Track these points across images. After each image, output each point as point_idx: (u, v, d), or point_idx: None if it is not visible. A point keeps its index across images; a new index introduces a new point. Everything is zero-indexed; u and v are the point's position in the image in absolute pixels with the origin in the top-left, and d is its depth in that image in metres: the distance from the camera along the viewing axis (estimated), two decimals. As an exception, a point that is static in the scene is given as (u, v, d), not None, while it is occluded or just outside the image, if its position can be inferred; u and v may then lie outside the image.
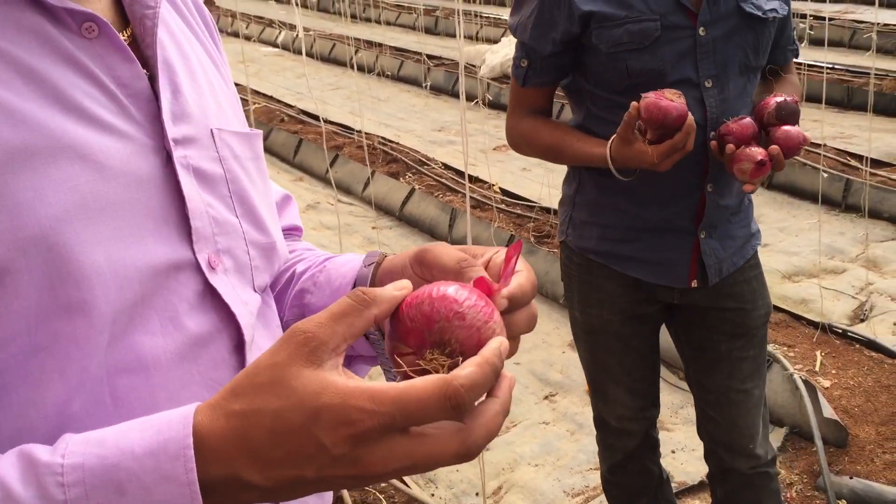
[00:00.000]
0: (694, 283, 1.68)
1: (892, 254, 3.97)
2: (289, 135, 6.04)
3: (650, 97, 1.42)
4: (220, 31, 8.06)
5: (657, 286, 1.70)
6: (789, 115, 1.55)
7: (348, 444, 0.50)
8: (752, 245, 1.76)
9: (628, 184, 1.57)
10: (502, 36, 8.21)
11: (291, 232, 0.98)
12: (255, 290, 0.75)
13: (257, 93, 7.21)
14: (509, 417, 2.93)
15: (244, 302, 0.71)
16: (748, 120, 1.53)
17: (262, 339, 0.74)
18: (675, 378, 3.01)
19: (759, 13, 1.58)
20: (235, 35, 9.88)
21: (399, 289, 0.57)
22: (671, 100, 1.42)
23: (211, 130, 0.73)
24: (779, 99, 1.55)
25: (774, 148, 1.49)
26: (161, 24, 0.70)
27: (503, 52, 7.42)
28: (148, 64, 0.68)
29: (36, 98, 0.59)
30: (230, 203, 0.72)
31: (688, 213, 1.64)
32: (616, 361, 1.82)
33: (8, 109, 0.57)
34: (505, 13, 9.84)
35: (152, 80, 0.67)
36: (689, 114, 1.43)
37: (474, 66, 7.45)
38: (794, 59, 1.82)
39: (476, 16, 9.52)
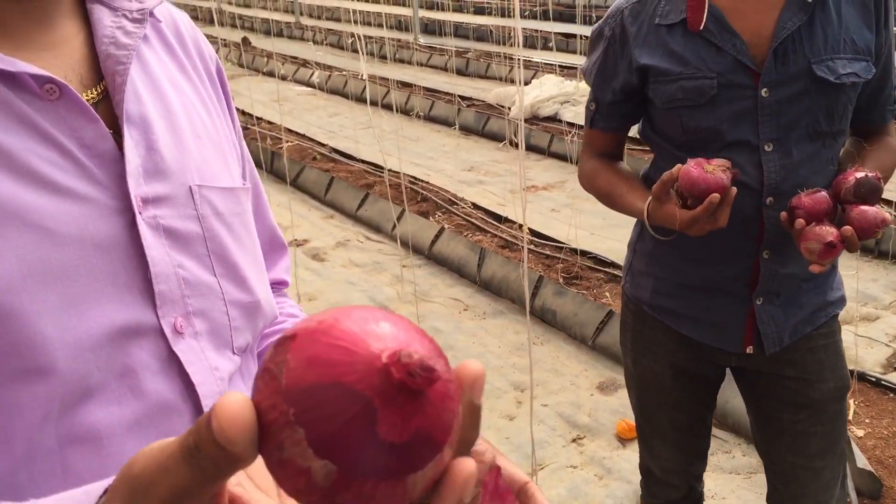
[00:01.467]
0: (749, 350, 1.59)
1: (927, 301, 3.91)
2: (320, 172, 6.11)
3: (689, 165, 1.37)
4: (255, 70, 8.19)
5: (711, 347, 1.63)
6: (869, 193, 1.41)
7: None
8: (826, 312, 1.62)
9: (681, 240, 1.50)
10: (533, 77, 8.28)
11: (276, 286, 0.94)
12: (235, 352, 0.72)
13: (290, 131, 7.31)
14: (537, 460, 2.90)
15: (213, 368, 0.68)
16: (823, 194, 1.42)
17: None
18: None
19: (832, 78, 1.44)
20: (270, 74, 10.06)
21: None
22: (710, 171, 1.35)
23: (190, 187, 0.70)
24: (859, 175, 1.42)
25: (847, 229, 1.37)
26: (139, 76, 0.69)
27: (533, 93, 7.48)
28: (119, 119, 0.66)
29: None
30: (208, 262, 0.69)
31: (742, 278, 1.55)
32: (665, 416, 1.76)
33: None
34: (536, 55, 9.94)
35: (120, 137, 0.65)
36: (725, 189, 1.35)
37: (505, 107, 7.51)
38: None
39: (507, 58, 9.62)
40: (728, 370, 1.73)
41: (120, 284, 0.62)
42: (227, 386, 0.69)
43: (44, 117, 0.61)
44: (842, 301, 1.66)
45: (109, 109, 0.66)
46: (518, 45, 1.07)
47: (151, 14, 0.72)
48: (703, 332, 1.61)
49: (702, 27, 1.46)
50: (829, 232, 1.37)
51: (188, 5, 16.14)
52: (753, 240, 1.51)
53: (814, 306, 1.60)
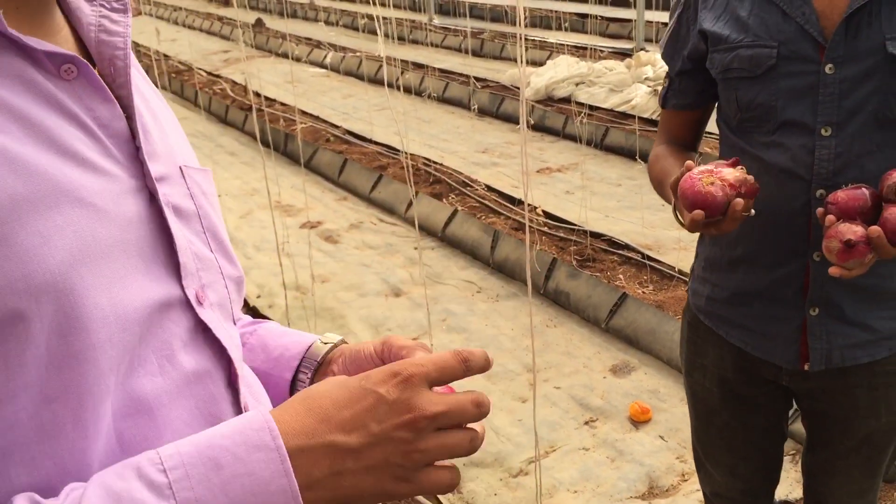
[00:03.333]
0: (806, 367, 1.44)
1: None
2: (334, 154, 6.10)
3: (692, 172, 1.25)
4: (269, 51, 8.19)
5: (763, 362, 1.49)
6: None
7: (398, 389, 0.61)
8: (892, 344, 1.43)
9: (736, 242, 1.42)
10: (547, 59, 8.22)
11: None
12: (234, 323, 0.76)
13: (304, 113, 7.31)
14: (547, 442, 2.90)
15: (230, 336, 0.72)
16: (863, 190, 1.24)
17: (244, 368, 0.75)
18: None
19: None
20: (285, 56, 10.04)
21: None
22: (706, 184, 1.22)
23: (180, 168, 0.73)
24: None
25: (875, 229, 1.18)
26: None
27: (548, 74, 7.43)
28: (121, 104, 0.67)
29: (32, 144, 0.58)
30: (205, 239, 0.73)
31: (793, 284, 1.41)
32: (715, 438, 1.65)
33: (10, 157, 0.56)
34: (551, 35, 9.86)
35: (129, 119, 0.67)
36: (715, 206, 1.22)
37: (518, 88, 7.47)
38: None
39: (523, 39, 9.55)
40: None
41: (149, 259, 0.64)
42: (240, 353, 0.73)
43: (65, 96, 0.62)
44: None
45: None
46: (521, 25, 1.06)
47: (129, 6, 0.73)
48: (755, 343, 1.49)
49: None
50: (851, 230, 1.19)
51: (202, -14, 16.12)
52: (803, 239, 1.36)
53: (883, 332, 1.42)
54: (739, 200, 1.21)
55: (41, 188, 0.57)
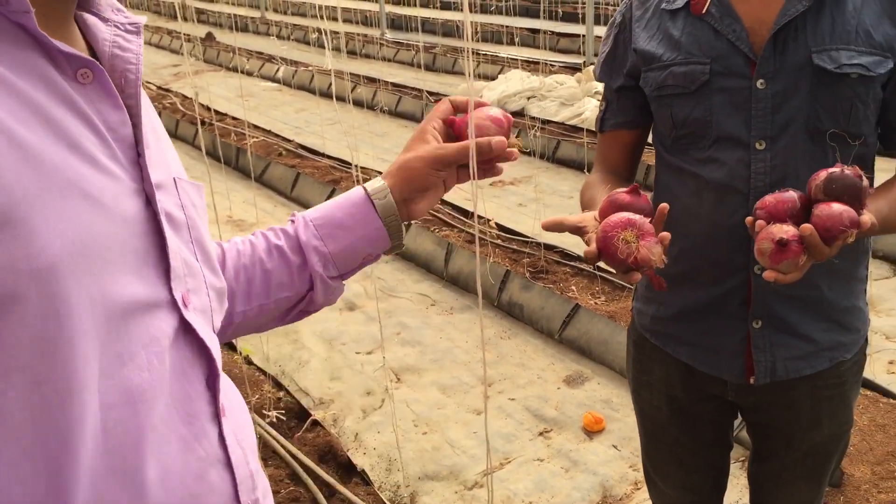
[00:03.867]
0: (752, 380, 1.45)
1: (887, 292, 3.98)
2: (286, 168, 6.06)
3: (613, 223, 1.16)
4: (220, 65, 8.09)
5: (709, 377, 1.50)
6: (843, 189, 1.18)
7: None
8: (833, 355, 1.45)
9: (678, 259, 1.37)
10: (499, 73, 8.29)
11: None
12: (214, 331, 0.79)
13: (256, 127, 7.26)
14: (502, 453, 2.92)
15: (210, 338, 0.75)
16: (791, 193, 1.21)
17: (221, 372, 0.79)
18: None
19: (832, 67, 1.30)
20: (236, 70, 9.96)
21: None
22: (626, 241, 1.13)
23: (174, 179, 0.77)
24: (833, 170, 1.19)
25: (807, 227, 1.14)
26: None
27: (500, 88, 7.49)
28: (129, 112, 0.71)
29: (48, 138, 0.62)
30: (192, 248, 0.77)
31: (737, 297, 1.41)
32: (666, 454, 1.66)
33: (26, 148, 0.59)
34: (503, 50, 9.95)
35: (134, 127, 0.71)
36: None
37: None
38: None
39: (474, 53, 9.62)
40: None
41: (139, 258, 0.68)
42: (220, 356, 0.76)
43: (80, 98, 0.66)
44: (855, 345, 1.49)
45: None
46: (468, 39, 1.07)
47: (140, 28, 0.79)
48: (701, 358, 1.49)
49: (704, 10, 1.38)
50: (783, 230, 1.17)
51: (151, 0, 15.94)
52: (744, 253, 1.36)
53: (823, 343, 1.44)
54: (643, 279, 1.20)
55: (53, 179, 0.60)
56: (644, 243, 1.13)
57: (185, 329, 0.72)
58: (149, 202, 0.70)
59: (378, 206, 0.99)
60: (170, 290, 0.70)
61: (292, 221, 1.01)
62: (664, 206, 1.18)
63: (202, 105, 6.84)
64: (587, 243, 1.18)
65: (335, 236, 0.99)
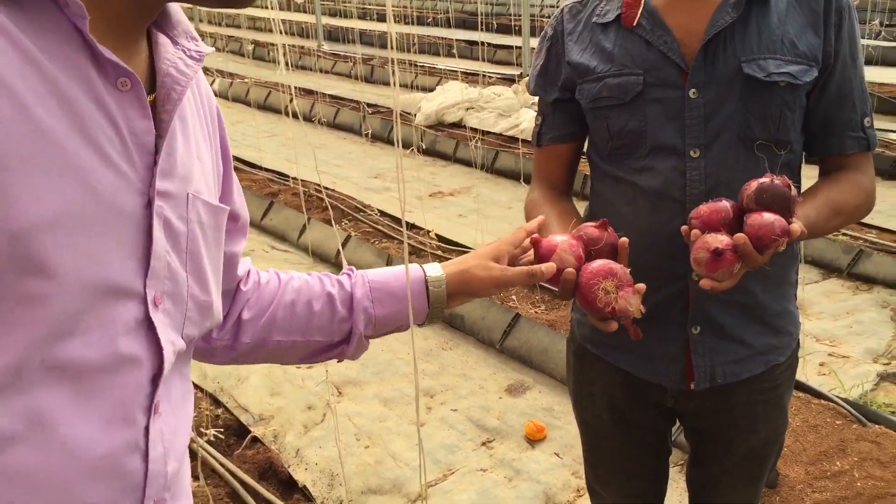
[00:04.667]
0: (692, 386, 1.47)
1: (816, 296, 4.10)
2: (223, 182, 5.98)
3: (593, 269, 1.20)
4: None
5: (650, 385, 1.52)
6: (773, 199, 1.23)
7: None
8: (768, 359, 1.48)
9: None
10: (437, 84, 8.32)
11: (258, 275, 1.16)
12: (183, 338, 0.84)
13: (191, 139, 7.14)
14: (445, 465, 2.91)
15: (171, 341, 0.80)
16: (724, 203, 1.26)
17: (174, 378, 0.84)
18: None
19: (761, 76, 1.34)
20: (169, 82, 9.81)
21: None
22: (607, 291, 1.19)
23: (188, 194, 0.83)
24: (764, 180, 1.24)
25: (740, 236, 1.19)
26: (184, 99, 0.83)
27: (438, 99, 7.52)
28: (160, 125, 0.79)
29: (64, 121, 0.69)
30: (184, 258, 0.83)
31: (676, 304, 1.43)
32: (608, 463, 1.68)
33: (37, 125, 0.66)
34: (440, 62, 10.00)
35: (159, 138, 0.79)
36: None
37: (410, 113, 7.52)
38: (867, 151, 1.45)
39: (412, 65, 9.63)
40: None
41: (125, 251, 0.74)
42: (174, 359, 0.82)
43: (112, 101, 0.73)
44: (788, 348, 1.52)
45: (154, 112, 0.80)
46: (392, 48, 1.08)
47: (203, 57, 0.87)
48: (642, 366, 1.51)
49: (635, 23, 1.41)
50: (717, 239, 1.21)
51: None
52: (682, 260, 1.35)
53: (758, 347, 1.47)
54: (635, 329, 1.22)
55: (53, 158, 0.67)
56: (622, 294, 1.18)
57: (148, 325, 0.77)
58: (150, 204, 0.77)
59: (431, 293, 1.14)
60: (144, 285, 0.76)
61: (349, 275, 1.15)
62: (625, 240, 1.24)
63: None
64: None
65: (385, 303, 1.12)
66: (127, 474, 0.76)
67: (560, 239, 1.23)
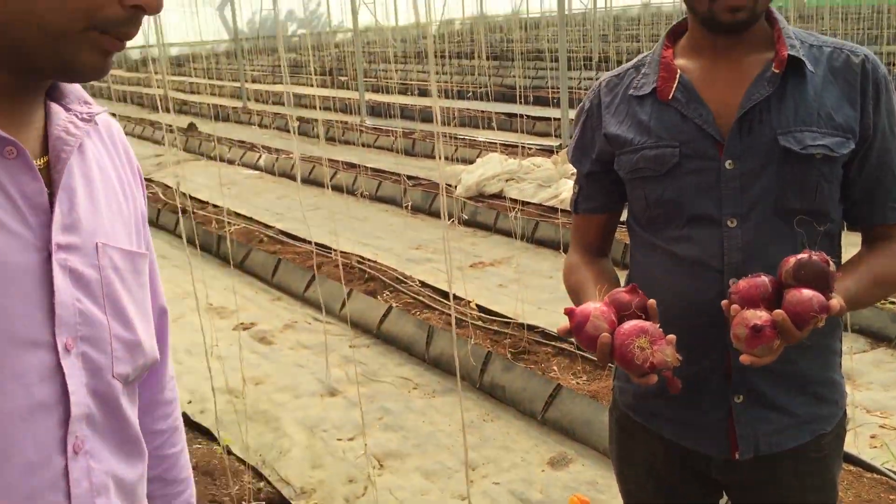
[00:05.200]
0: (736, 455, 1.45)
1: (865, 366, 4.01)
2: (267, 255, 6.09)
3: (626, 330, 1.28)
4: (202, 154, 8.25)
5: (693, 454, 1.50)
6: (811, 276, 1.24)
7: None
8: (813, 428, 1.46)
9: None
10: (477, 156, 8.45)
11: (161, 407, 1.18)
12: (115, 377, 0.89)
13: (238, 214, 7.31)
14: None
15: (85, 384, 0.85)
16: (762, 279, 1.28)
17: (110, 416, 0.90)
18: None
19: (797, 148, 1.36)
20: (217, 159, 10.09)
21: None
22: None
23: (97, 244, 0.89)
24: (802, 256, 1.26)
25: (779, 313, 1.21)
26: (76, 158, 0.90)
27: (478, 171, 7.63)
28: (55, 185, 0.86)
29: None
30: (101, 303, 0.88)
31: (717, 372, 1.43)
32: None
33: None
34: (480, 135, 10.16)
35: (53, 196, 0.85)
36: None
37: (451, 185, 7.63)
38: None
39: (452, 138, 9.81)
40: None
41: (29, 304, 0.81)
42: (90, 400, 0.86)
43: (1, 170, 0.81)
44: (835, 417, 1.50)
45: (48, 176, 0.87)
46: (437, 122, 1.13)
47: (94, 118, 0.95)
48: (685, 435, 1.50)
49: (671, 96, 1.44)
50: (757, 315, 1.23)
51: (135, 93, 16.22)
52: (721, 328, 1.35)
53: (802, 417, 1.46)
54: (676, 384, 1.30)
55: None
56: (657, 348, 1.25)
57: (61, 371, 0.83)
58: (49, 258, 0.83)
59: None
60: (53, 334, 0.82)
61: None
62: (653, 302, 1.30)
63: (183, 194, 6.90)
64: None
65: None
66: None
67: (592, 307, 1.29)
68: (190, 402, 4.07)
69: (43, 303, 0.82)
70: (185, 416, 3.84)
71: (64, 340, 0.83)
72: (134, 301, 0.94)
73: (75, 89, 0.95)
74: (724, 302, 1.30)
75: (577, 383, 3.94)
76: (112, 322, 0.89)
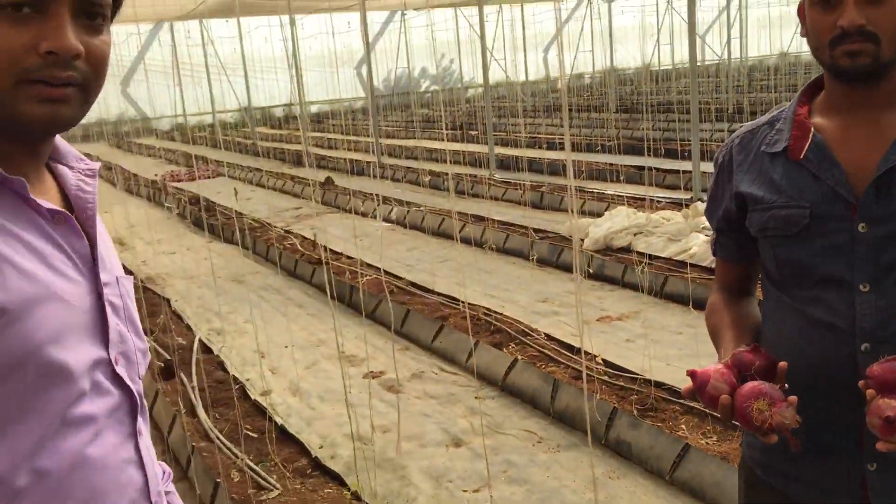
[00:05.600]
0: None
1: None
2: (397, 305, 6.25)
3: (746, 392, 1.31)
4: (338, 207, 8.56)
5: None
6: None
7: None
8: None
9: (792, 391, 1.38)
10: (605, 210, 8.42)
11: None
12: (140, 378, 1.13)
13: (369, 265, 7.56)
14: None
15: (133, 385, 1.10)
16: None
17: (144, 410, 1.13)
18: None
19: None
20: (351, 211, 10.50)
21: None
22: (760, 410, 1.29)
23: (116, 278, 1.12)
24: None
25: None
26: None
27: (606, 224, 7.60)
28: (88, 237, 1.07)
29: (35, 262, 0.98)
30: (126, 325, 1.11)
31: (850, 436, 1.40)
32: None
33: (23, 271, 0.95)
34: (609, 188, 10.12)
35: (92, 247, 1.08)
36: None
37: (578, 238, 7.63)
38: None
39: (581, 190, 9.82)
40: None
41: (92, 334, 1.04)
42: (138, 398, 1.11)
43: (55, 233, 1.03)
44: None
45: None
46: (570, 176, 1.20)
47: (96, 173, 1.16)
48: (815, 499, 1.46)
49: (802, 156, 1.43)
50: (891, 406, 1.21)
51: (277, 149, 17.12)
52: (852, 391, 1.33)
53: None
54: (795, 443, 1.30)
55: (40, 290, 0.96)
56: (776, 409, 1.28)
57: (118, 378, 1.07)
58: (100, 297, 1.06)
59: None
60: (108, 352, 1.06)
61: None
62: (783, 364, 1.31)
63: (321, 246, 7.21)
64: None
65: None
66: (132, 482, 1.07)
67: (713, 368, 1.32)
68: (321, 447, 4.23)
69: (98, 331, 1.05)
70: (315, 460, 3.98)
71: (114, 356, 1.07)
72: (137, 317, 1.17)
73: (69, 149, 1.15)
74: (860, 383, 1.29)
75: (707, 443, 3.83)
76: (133, 337, 1.12)
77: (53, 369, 0.96)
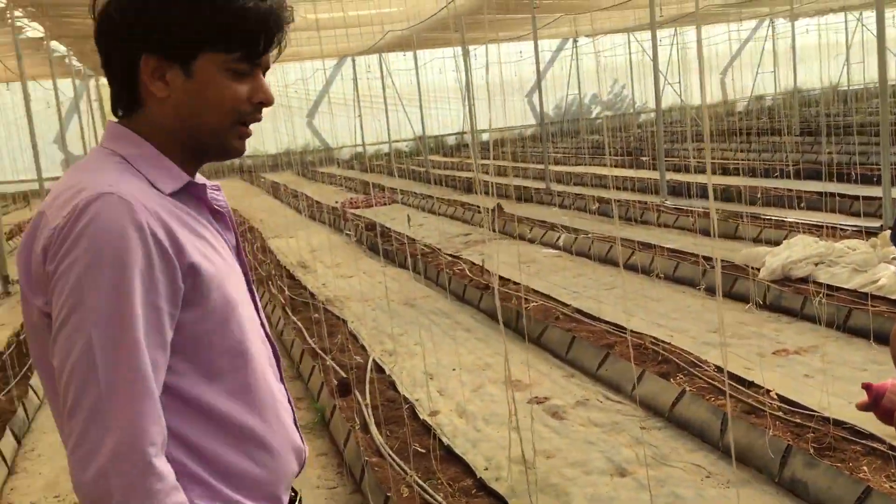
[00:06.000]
0: None
1: None
2: (563, 332, 6.29)
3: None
4: (506, 234, 8.77)
5: None
6: None
7: None
8: None
9: None
10: (784, 238, 8.06)
11: None
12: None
13: (535, 291, 7.63)
14: None
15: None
16: None
17: None
18: None
19: None
20: (520, 238, 10.63)
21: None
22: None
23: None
24: None
25: None
26: None
27: (784, 254, 7.27)
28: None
29: (214, 247, 1.34)
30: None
31: None
32: None
33: (216, 250, 1.34)
34: (788, 215, 9.67)
35: (236, 240, 1.47)
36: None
37: (752, 268, 7.35)
38: None
39: (757, 218, 9.45)
40: None
41: (249, 302, 1.41)
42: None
43: (222, 232, 1.40)
44: None
45: None
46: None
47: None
48: None
49: None
50: None
51: (449, 176, 17.61)
52: None
53: None
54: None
55: (226, 267, 1.34)
56: None
57: (267, 336, 1.45)
58: (245, 276, 1.44)
59: None
60: (260, 317, 1.43)
61: None
62: None
63: (488, 271, 7.37)
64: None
65: None
66: (289, 410, 1.44)
67: (891, 382, 1.32)
68: (486, 468, 4.33)
69: (250, 298, 1.41)
70: (480, 481, 4.09)
71: (262, 319, 1.45)
72: None
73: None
74: None
75: (892, 487, 3.60)
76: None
77: (246, 321, 1.34)
